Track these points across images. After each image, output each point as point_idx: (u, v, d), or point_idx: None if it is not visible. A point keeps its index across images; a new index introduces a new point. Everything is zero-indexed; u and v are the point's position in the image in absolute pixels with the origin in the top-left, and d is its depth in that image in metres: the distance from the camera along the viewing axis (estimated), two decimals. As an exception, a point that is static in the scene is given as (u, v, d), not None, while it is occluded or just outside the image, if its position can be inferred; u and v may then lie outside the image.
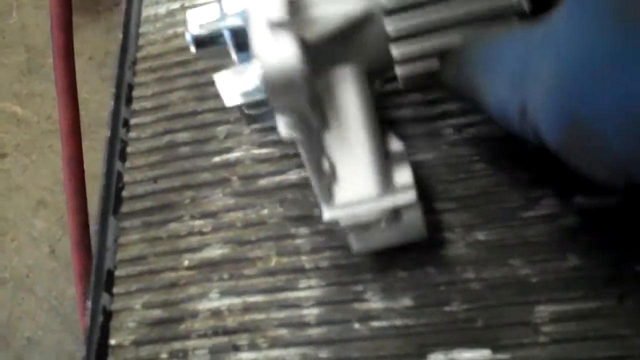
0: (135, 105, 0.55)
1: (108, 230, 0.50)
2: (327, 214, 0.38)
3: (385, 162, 0.38)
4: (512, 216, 0.43)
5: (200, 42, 0.42)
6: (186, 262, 0.48)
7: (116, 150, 0.54)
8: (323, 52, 0.37)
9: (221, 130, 0.53)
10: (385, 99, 0.49)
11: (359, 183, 0.38)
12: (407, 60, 0.38)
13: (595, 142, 0.27)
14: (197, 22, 0.43)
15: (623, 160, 0.27)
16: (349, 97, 0.38)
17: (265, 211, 0.48)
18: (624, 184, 0.29)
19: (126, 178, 0.53)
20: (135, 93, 0.56)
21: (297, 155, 0.50)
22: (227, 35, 0.41)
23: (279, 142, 0.51)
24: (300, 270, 0.45)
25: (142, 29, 0.58)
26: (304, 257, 0.45)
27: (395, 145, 0.40)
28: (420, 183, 0.43)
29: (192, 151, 0.52)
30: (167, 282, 0.47)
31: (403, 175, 0.38)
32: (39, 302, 1.98)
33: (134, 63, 0.57)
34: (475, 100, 0.36)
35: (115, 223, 0.51)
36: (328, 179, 0.38)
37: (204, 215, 0.49)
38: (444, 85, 0.39)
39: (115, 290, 0.48)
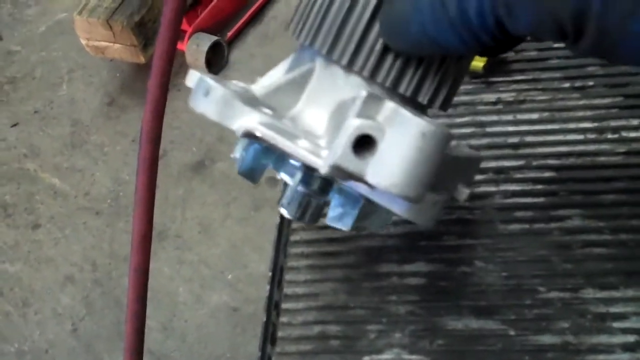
0: (287, 290, 0.58)
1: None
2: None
3: None
4: None
5: (299, 213, 0.48)
6: None
7: (269, 333, 0.56)
8: None
9: (372, 329, 0.56)
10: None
11: None
12: None
13: None
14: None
15: None
16: None
17: None
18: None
19: (277, 364, 0.55)
20: (288, 277, 0.59)
21: (450, 367, 0.53)
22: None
23: (429, 351, 0.54)
24: None
25: (296, 213, 0.62)
26: None
27: None
28: None
29: (342, 346, 0.55)
30: None
31: None
32: (55, 382, 1.98)
33: (285, 245, 0.61)
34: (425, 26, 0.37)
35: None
36: None
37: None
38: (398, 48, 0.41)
39: None
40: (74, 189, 2.31)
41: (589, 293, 0.53)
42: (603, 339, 0.52)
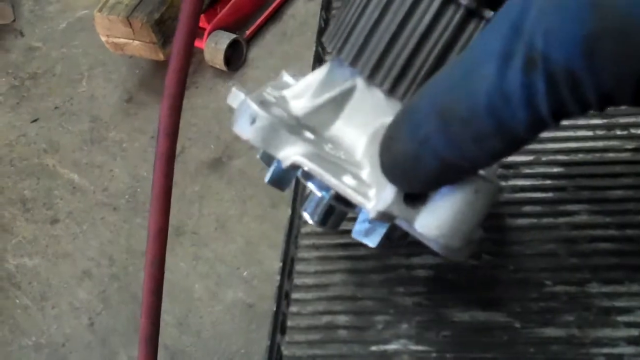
0: (297, 280, 0.59)
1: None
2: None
3: None
4: None
5: (322, 221, 0.48)
6: None
7: (278, 322, 0.57)
8: None
9: (380, 319, 0.56)
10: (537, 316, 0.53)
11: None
12: None
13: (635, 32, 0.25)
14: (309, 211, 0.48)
15: None
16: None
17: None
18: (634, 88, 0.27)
19: (285, 352, 0.56)
20: (298, 268, 0.60)
21: (454, 358, 0.53)
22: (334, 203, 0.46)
23: (435, 342, 0.54)
24: None
25: (307, 206, 0.63)
26: None
27: None
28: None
29: (350, 336, 0.56)
30: None
31: None
32: (70, 374, 2.00)
33: (297, 237, 0.62)
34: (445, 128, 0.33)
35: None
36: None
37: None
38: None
39: None
40: (93, 185, 2.33)
41: (595, 287, 0.54)
42: (607, 332, 0.52)
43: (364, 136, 0.44)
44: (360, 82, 0.44)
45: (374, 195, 0.42)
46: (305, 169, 0.43)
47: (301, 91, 0.47)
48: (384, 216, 0.41)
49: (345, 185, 0.42)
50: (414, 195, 0.40)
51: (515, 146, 0.33)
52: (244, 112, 0.43)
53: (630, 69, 0.27)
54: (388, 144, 0.38)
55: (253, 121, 0.43)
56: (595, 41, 0.26)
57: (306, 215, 0.48)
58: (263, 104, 0.44)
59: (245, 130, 0.43)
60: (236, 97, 0.46)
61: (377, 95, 0.44)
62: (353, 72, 0.44)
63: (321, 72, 0.47)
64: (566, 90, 0.28)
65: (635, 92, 0.28)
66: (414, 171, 0.36)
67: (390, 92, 0.42)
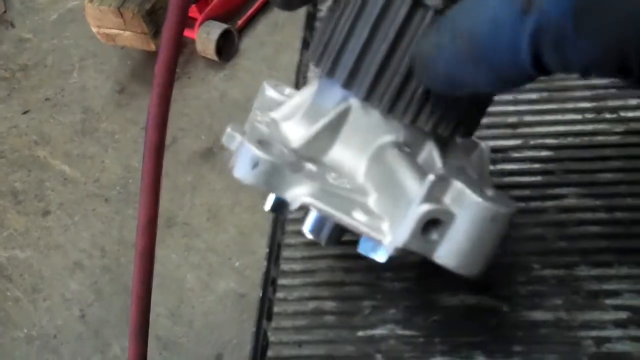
0: (284, 266, 0.59)
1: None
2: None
3: None
4: None
5: (328, 240, 0.48)
6: None
7: (265, 309, 0.57)
8: None
9: (367, 305, 0.56)
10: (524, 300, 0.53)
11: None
12: None
13: None
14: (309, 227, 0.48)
15: None
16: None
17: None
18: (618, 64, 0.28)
19: (272, 338, 0.56)
20: (285, 254, 0.59)
21: (442, 342, 0.53)
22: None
23: (422, 327, 0.54)
24: None
25: (293, 191, 0.62)
26: None
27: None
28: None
29: (337, 322, 0.56)
30: None
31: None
32: (62, 365, 1.99)
33: (283, 223, 0.61)
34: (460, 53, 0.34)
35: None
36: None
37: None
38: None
39: None
40: (84, 176, 2.32)
41: (583, 270, 0.54)
42: (595, 315, 0.52)
43: (363, 158, 0.44)
44: (354, 103, 0.43)
45: (388, 229, 0.41)
46: (315, 209, 0.42)
47: (291, 111, 0.46)
48: (402, 252, 0.40)
49: (358, 222, 0.41)
50: (431, 227, 0.39)
51: (503, 83, 0.34)
52: (244, 156, 0.42)
53: (618, 38, 0.28)
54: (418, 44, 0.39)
55: (255, 165, 0.41)
56: (588, 5, 0.27)
57: (308, 234, 0.48)
58: (261, 143, 0.42)
59: (247, 175, 0.42)
60: (232, 138, 0.45)
61: (374, 115, 0.42)
62: (345, 92, 0.43)
63: (310, 90, 0.46)
64: (549, 45, 0.29)
65: (619, 69, 0.29)
66: (431, 72, 0.37)
67: (389, 111, 0.41)
